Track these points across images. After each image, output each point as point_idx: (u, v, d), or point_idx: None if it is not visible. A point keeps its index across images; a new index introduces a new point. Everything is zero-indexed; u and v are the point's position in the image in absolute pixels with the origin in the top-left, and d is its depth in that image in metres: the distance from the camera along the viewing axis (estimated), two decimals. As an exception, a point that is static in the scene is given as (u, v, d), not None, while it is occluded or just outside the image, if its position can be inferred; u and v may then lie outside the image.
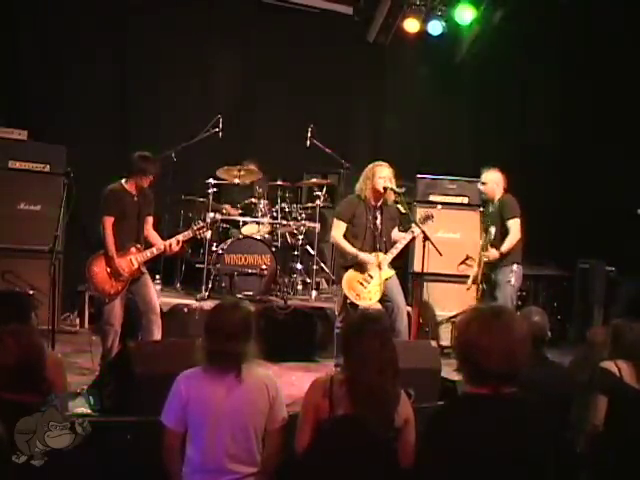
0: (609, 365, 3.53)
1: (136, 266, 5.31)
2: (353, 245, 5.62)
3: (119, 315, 5.32)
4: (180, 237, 5.49)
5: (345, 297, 5.64)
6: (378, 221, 5.67)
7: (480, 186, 6.29)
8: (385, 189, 5.59)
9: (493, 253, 5.91)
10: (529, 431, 2.43)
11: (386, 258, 5.62)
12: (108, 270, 5.24)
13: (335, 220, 5.78)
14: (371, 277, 5.58)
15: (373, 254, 5.58)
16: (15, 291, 5.01)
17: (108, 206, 5.30)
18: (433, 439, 2.50)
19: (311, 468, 2.88)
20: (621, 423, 3.43)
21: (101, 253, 5.28)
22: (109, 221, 5.27)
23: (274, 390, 3.04)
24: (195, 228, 5.57)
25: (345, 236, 5.67)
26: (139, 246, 5.38)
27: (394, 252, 5.67)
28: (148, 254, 5.38)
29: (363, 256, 5.57)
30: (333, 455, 2.84)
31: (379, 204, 5.69)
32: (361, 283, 5.59)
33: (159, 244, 5.45)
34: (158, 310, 5.45)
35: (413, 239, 5.78)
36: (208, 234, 6.64)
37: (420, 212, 6.33)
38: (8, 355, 2.52)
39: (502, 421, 2.42)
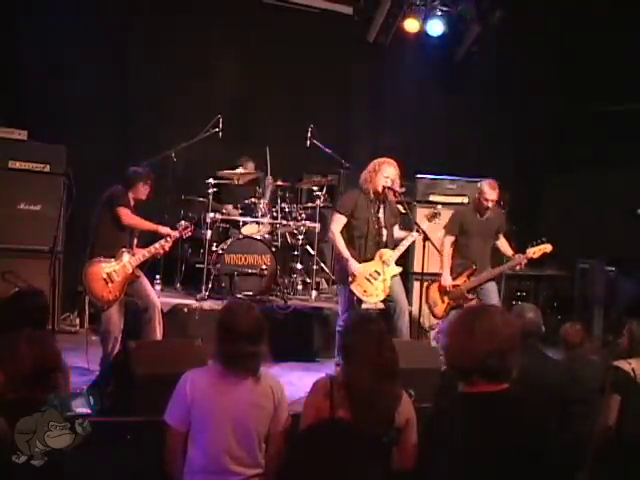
0: (622, 364, 3.54)
1: (130, 270, 5.31)
2: (356, 241, 5.53)
3: (117, 322, 5.32)
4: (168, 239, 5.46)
5: (350, 294, 5.57)
6: (380, 215, 5.61)
7: (490, 204, 6.00)
8: (384, 188, 5.57)
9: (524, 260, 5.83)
10: (527, 429, 2.42)
11: (393, 255, 5.55)
12: (103, 277, 5.22)
13: (335, 214, 5.63)
14: (378, 274, 5.51)
15: (379, 251, 5.51)
16: (31, 291, 4.90)
17: (125, 199, 5.34)
18: (431, 439, 2.50)
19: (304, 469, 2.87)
20: (634, 422, 3.43)
21: (95, 260, 5.26)
22: (125, 211, 5.29)
23: (279, 392, 3.01)
24: (180, 229, 5.55)
25: (348, 232, 5.56)
26: (131, 250, 5.38)
27: (401, 249, 5.61)
28: (140, 257, 5.37)
29: (352, 263, 5.41)
30: (327, 456, 2.82)
31: (381, 199, 5.63)
32: (368, 279, 5.53)
33: (149, 247, 5.43)
34: (159, 306, 5.46)
35: (414, 241, 5.77)
36: (209, 234, 6.62)
37: (425, 212, 6.28)
38: (23, 362, 2.53)
39: (500, 419, 2.41)
